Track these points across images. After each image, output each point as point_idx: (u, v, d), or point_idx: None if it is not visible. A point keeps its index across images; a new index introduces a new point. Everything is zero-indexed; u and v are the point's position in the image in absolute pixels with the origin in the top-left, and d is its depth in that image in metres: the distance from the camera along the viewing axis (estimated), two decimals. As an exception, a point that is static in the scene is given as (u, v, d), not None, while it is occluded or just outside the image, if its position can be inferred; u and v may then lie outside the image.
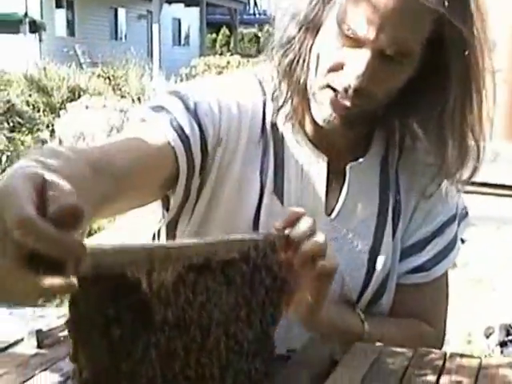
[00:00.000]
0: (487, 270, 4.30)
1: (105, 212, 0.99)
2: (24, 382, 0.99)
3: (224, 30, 30.08)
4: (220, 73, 19.80)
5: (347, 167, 1.25)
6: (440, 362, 1.04)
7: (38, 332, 1.12)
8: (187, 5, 27.00)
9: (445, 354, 1.07)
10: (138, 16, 26.37)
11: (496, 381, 0.98)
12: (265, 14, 32.32)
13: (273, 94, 1.21)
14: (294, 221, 0.99)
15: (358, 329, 1.20)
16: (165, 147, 1.11)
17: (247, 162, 1.21)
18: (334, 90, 1.12)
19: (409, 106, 1.19)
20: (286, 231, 0.97)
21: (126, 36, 25.35)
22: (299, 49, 1.15)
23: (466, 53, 1.10)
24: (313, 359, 1.06)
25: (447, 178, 1.21)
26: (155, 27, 21.97)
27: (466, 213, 1.36)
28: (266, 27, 30.95)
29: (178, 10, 27.68)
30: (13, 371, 1.03)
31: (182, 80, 11.84)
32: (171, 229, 1.27)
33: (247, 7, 31.35)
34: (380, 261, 1.27)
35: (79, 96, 10.60)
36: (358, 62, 1.08)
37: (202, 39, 26.80)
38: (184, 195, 1.18)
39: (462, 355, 1.07)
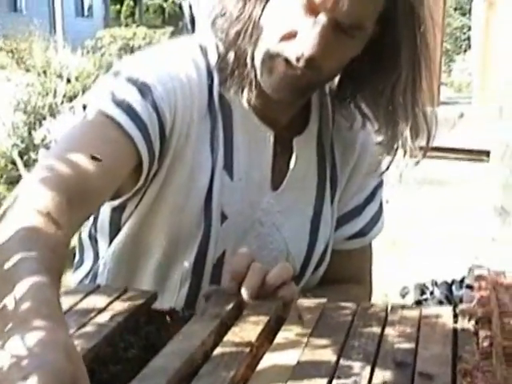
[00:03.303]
0: (402, 231, 4.42)
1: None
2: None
3: (128, 1, 29.54)
4: (126, 45, 19.50)
5: (294, 141, 1.27)
6: (383, 314, 1.08)
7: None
8: (89, -25, 26.44)
9: (386, 307, 1.11)
10: (38, -13, 25.63)
11: (437, 328, 1.03)
12: (169, -16, 31.97)
13: (219, 64, 1.20)
14: (242, 272, 1.08)
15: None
16: (126, 142, 1.12)
17: (198, 141, 1.21)
18: (285, 58, 1.12)
19: (360, 81, 1.21)
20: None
21: (25, 7, 24.60)
22: (248, 17, 1.14)
23: (419, 30, 1.12)
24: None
25: (402, 153, 1.22)
26: (57, -2, 21.40)
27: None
28: (171, -3, 30.56)
29: (80, -20, 27.06)
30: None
31: (88, 52, 11.59)
32: (118, 211, 1.27)
33: (151, -23, 30.90)
34: (321, 231, 1.31)
35: (-19, 70, 10.29)
36: (313, 30, 1.08)
37: (107, 10, 26.28)
38: (143, 182, 1.19)
39: (403, 306, 1.11)
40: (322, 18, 1.08)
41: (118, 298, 1.12)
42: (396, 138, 1.19)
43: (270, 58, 1.13)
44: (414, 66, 1.15)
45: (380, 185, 1.38)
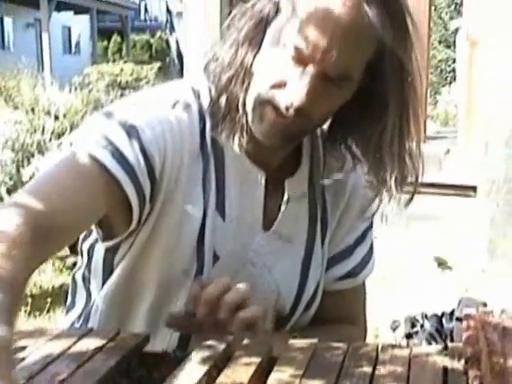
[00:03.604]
0: (391, 267, 4.43)
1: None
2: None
3: (115, 37, 29.69)
4: (114, 81, 19.56)
5: (286, 183, 1.28)
6: (374, 354, 1.09)
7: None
8: (77, 12, 26.54)
9: (377, 346, 1.12)
10: (25, 24, 25.74)
11: (427, 367, 1.03)
12: (156, 20, 32.14)
13: (211, 109, 1.22)
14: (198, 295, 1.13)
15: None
16: (109, 182, 1.13)
17: (190, 182, 1.23)
18: (275, 106, 1.14)
19: (350, 126, 1.23)
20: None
21: (13, 45, 24.70)
22: (240, 64, 1.16)
23: (405, 81, 1.15)
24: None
25: (388, 197, 1.24)
26: (45, 36, 21.52)
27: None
28: (158, 33, 30.70)
29: (68, 17, 27.16)
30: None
31: (76, 89, 11.62)
32: (112, 252, 1.28)
33: (138, 14, 31.09)
34: (312, 271, 1.32)
35: (-31, 108, 10.29)
36: (301, 81, 1.11)
37: (94, 47, 26.42)
38: (136, 224, 1.20)
39: (393, 346, 1.12)
40: (311, 69, 1.11)
41: (110, 340, 1.13)
42: (384, 182, 1.21)
43: (261, 105, 1.16)
44: (401, 116, 1.18)
45: (370, 226, 1.39)
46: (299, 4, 1.12)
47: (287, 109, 1.13)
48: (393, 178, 1.19)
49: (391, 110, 1.16)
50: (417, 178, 1.22)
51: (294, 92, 1.11)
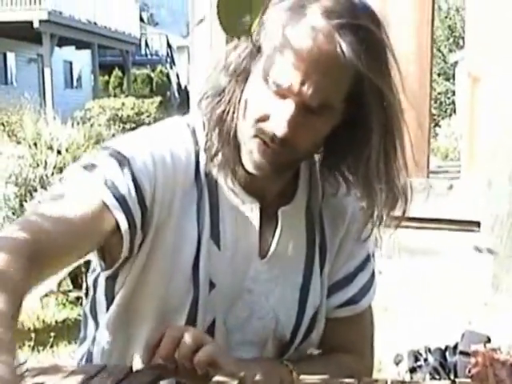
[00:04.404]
0: (394, 298, 4.42)
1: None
2: None
3: (116, 72, 29.88)
4: (115, 115, 19.65)
5: (279, 212, 1.31)
6: (384, 390, 1.10)
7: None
8: (78, 47, 26.75)
9: (386, 382, 1.14)
10: (28, 60, 25.94)
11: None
12: (157, 55, 32.41)
13: (205, 144, 1.26)
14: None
15: (288, 380, 1.25)
16: (101, 210, 1.18)
17: (183, 211, 1.26)
18: (261, 138, 1.19)
19: (340, 153, 1.27)
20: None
21: (16, 80, 24.87)
22: (229, 100, 1.22)
23: (387, 108, 1.19)
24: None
25: (378, 222, 1.27)
26: (47, 71, 21.67)
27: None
28: (159, 67, 30.88)
29: (69, 52, 27.39)
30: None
31: (78, 123, 11.66)
32: (111, 281, 1.31)
33: (139, 48, 31.32)
34: (311, 299, 1.34)
35: (-28, 143, 10.33)
36: (282, 113, 1.16)
37: (95, 81, 26.58)
38: (129, 251, 1.23)
39: (402, 382, 1.14)
40: (290, 101, 1.16)
41: (124, 377, 1.14)
42: (373, 206, 1.24)
43: (249, 138, 1.21)
44: (385, 142, 1.21)
45: (372, 254, 1.41)
46: (276, 41, 1.16)
47: (272, 140, 1.17)
48: (382, 202, 1.23)
49: (375, 136, 1.20)
50: (405, 205, 1.25)
51: (276, 124, 1.16)
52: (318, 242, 1.35)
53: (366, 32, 1.15)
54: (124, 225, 1.19)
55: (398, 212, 1.25)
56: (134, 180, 1.20)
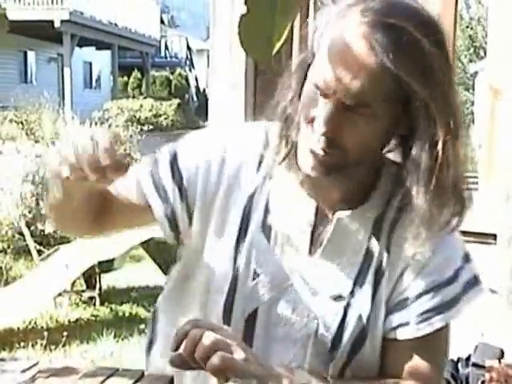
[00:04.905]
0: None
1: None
2: None
3: (135, 73, 30.00)
4: (133, 116, 19.75)
5: (335, 216, 1.30)
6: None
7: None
8: (98, 48, 26.92)
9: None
10: (48, 59, 26.12)
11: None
12: (176, 57, 32.49)
13: (276, 147, 1.31)
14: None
15: None
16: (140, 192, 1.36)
17: (231, 198, 1.34)
18: (310, 139, 1.20)
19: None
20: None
21: (36, 79, 25.04)
22: (290, 104, 1.27)
23: (431, 113, 1.16)
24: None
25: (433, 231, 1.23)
26: (66, 70, 21.81)
27: (477, 280, 1.34)
28: (178, 70, 30.98)
29: (89, 52, 27.56)
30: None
31: (96, 124, 11.75)
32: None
33: (158, 50, 31.45)
34: (356, 308, 1.30)
35: (-9, 141, 10.40)
36: (323, 112, 1.17)
37: (115, 82, 26.72)
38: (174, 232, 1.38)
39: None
40: (328, 101, 1.17)
41: (136, 381, 1.14)
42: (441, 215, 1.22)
43: (302, 140, 1.23)
44: (433, 152, 1.18)
45: (444, 283, 1.31)
46: (320, 44, 1.20)
47: (318, 140, 1.19)
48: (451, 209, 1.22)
49: (420, 147, 1.19)
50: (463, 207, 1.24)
51: (319, 123, 1.18)
52: (376, 258, 1.31)
53: (399, 31, 1.13)
54: (157, 205, 1.35)
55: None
56: (179, 173, 1.34)
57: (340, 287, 1.31)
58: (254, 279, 1.30)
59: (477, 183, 3.58)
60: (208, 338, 1.12)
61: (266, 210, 1.33)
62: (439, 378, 1.37)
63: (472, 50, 20.97)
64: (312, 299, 1.31)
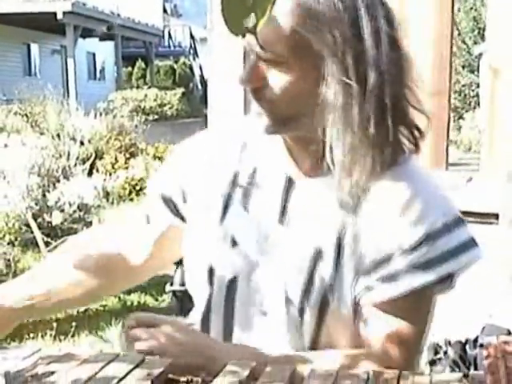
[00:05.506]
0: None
1: None
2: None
3: (139, 63, 29.97)
4: (138, 106, 19.74)
5: (301, 182, 1.36)
6: (394, 382, 1.10)
7: (7, 374, 1.14)
8: (102, 39, 26.86)
9: (398, 374, 1.14)
10: (51, 51, 26.11)
11: (447, 395, 1.05)
12: (180, 47, 32.44)
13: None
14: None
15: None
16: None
17: (218, 174, 1.43)
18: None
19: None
20: None
21: (40, 71, 25.04)
22: None
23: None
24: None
25: None
26: (70, 62, 21.78)
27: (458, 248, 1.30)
28: (182, 59, 30.91)
29: (93, 43, 27.51)
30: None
31: (100, 115, 11.75)
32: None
33: (162, 40, 31.39)
34: (319, 272, 1.31)
35: (-4, 134, 10.42)
36: (246, 66, 1.30)
37: (119, 73, 26.69)
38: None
39: (414, 373, 1.14)
40: (250, 54, 1.29)
41: (136, 366, 1.15)
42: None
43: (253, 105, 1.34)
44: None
45: (407, 250, 1.28)
46: None
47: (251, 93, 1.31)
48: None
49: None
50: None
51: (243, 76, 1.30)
52: (348, 223, 1.30)
53: None
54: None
55: None
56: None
57: (305, 248, 1.33)
58: (233, 248, 1.37)
59: (479, 164, 3.59)
60: (140, 346, 1.24)
61: (249, 182, 1.40)
62: (417, 345, 1.35)
63: (476, 31, 20.84)
64: (281, 264, 1.34)
